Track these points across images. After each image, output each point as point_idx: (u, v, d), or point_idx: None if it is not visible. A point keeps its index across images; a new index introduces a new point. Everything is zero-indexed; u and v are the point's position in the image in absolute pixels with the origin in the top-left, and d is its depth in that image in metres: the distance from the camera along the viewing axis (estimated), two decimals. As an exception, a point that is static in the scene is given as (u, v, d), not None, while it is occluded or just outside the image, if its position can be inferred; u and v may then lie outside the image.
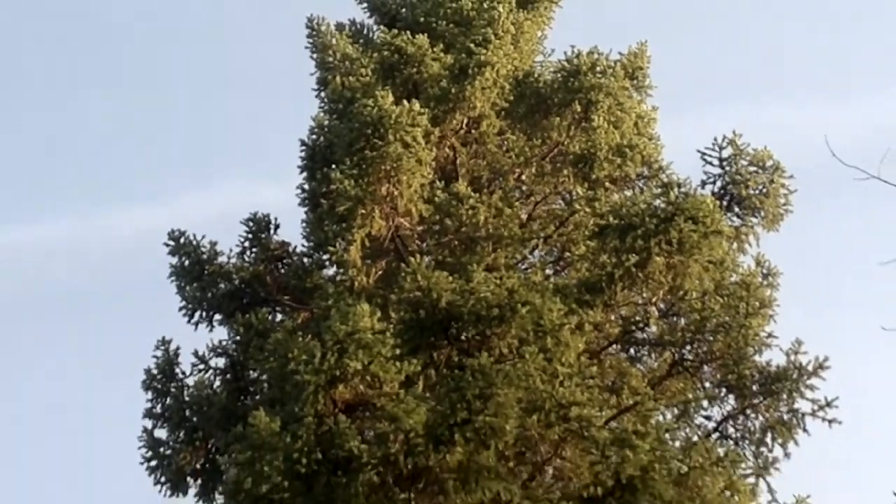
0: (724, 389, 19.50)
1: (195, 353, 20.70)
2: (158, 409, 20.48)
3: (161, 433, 20.38)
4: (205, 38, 57.46)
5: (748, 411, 19.29)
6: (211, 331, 21.44)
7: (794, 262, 21.36)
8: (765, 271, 20.50)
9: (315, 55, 25.01)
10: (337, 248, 19.79)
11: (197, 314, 21.44)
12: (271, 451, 15.85)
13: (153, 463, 20.11)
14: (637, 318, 20.29)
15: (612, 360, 20.32)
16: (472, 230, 19.90)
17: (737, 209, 21.07)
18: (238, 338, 20.44)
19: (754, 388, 19.16)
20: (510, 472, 16.48)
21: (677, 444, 18.02)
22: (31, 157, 55.21)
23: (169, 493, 20.18)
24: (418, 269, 18.20)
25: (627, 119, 21.99)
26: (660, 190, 20.11)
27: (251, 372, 20.21)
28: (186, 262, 21.61)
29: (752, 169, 21.09)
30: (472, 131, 22.66)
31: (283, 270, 21.73)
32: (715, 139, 21.22)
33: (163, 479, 20.09)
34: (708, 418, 19.70)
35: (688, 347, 19.67)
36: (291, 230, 21.97)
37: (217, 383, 20.53)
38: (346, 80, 22.66)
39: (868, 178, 9.98)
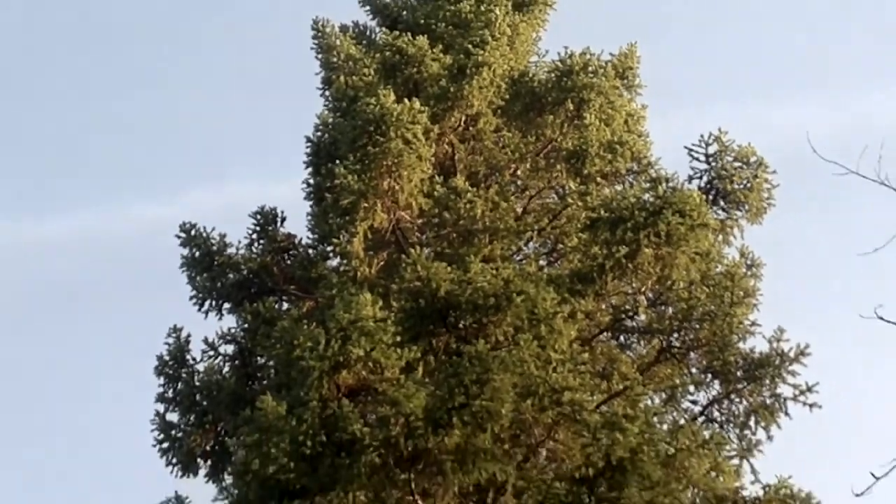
0: (709, 375, 19.50)
1: (205, 341, 20.71)
2: (170, 393, 20.48)
3: (172, 417, 20.40)
4: (215, 41, 57.47)
5: (732, 396, 19.29)
6: (220, 319, 21.44)
7: (776, 253, 21.35)
8: (749, 262, 20.49)
9: (320, 56, 24.98)
10: (341, 240, 19.75)
11: (207, 303, 21.41)
12: (278, 433, 15.82)
13: (165, 445, 20.13)
14: (627, 306, 20.29)
15: (603, 346, 20.32)
16: (470, 223, 19.88)
17: (722, 203, 21.08)
18: (246, 326, 20.42)
19: (738, 373, 19.16)
20: (505, 454, 16.46)
21: (665, 427, 17.99)
22: (52, 153, 55.15)
23: (180, 473, 20.19)
24: (418, 260, 18.18)
25: (618, 117, 21.95)
26: (648, 185, 20.09)
27: (258, 358, 20.19)
28: (197, 254, 21.58)
29: (736, 165, 21.11)
30: (470, 128, 22.64)
31: (289, 261, 21.70)
32: (701, 136, 21.26)
33: (174, 461, 20.10)
34: (694, 402, 19.71)
35: (675, 335, 19.67)
36: (297, 223, 22.00)
37: (226, 369, 20.53)
38: (350, 80, 22.67)
39: (846, 173, 9.95)
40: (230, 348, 20.67)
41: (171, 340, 20.84)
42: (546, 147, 22.20)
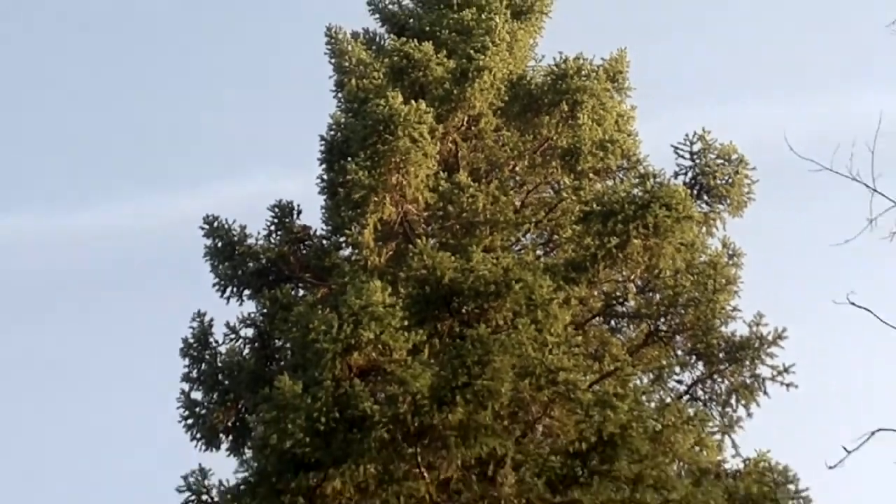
0: (693, 357, 19.54)
1: (227, 325, 20.73)
2: (194, 373, 20.51)
3: (197, 395, 20.42)
4: (236, 46, 57.37)
5: (715, 376, 19.33)
6: (241, 304, 21.51)
7: (756, 243, 21.36)
8: (730, 252, 20.50)
9: (333, 60, 24.97)
10: (352, 232, 19.79)
11: (228, 290, 21.45)
12: (294, 410, 15.86)
13: (189, 421, 20.17)
14: (617, 293, 20.32)
15: (595, 330, 20.33)
16: (472, 215, 19.89)
17: (705, 197, 21.08)
18: (265, 311, 20.47)
19: (720, 355, 19.20)
20: (505, 430, 16.48)
21: (652, 405, 18.02)
22: (83, 151, 55.14)
23: (203, 447, 20.24)
24: (424, 250, 18.21)
25: (609, 117, 21.95)
26: (637, 180, 20.13)
27: (276, 341, 20.22)
28: (219, 244, 21.61)
29: (719, 161, 21.11)
30: (472, 128, 22.65)
31: (304, 251, 21.73)
32: (686, 135, 21.25)
33: (198, 436, 20.15)
34: (679, 382, 19.75)
35: (662, 319, 19.70)
36: (312, 216, 22.02)
37: (246, 351, 20.55)
38: (361, 83, 22.68)
39: (821, 169, 9.98)
40: (250, 332, 20.70)
41: (195, 324, 20.87)
42: (542, 145, 22.21)
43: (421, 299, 17.96)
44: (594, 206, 19.38)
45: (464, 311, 17.94)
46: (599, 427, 15.86)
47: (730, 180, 21.01)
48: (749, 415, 19.08)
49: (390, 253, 20.37)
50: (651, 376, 19.79)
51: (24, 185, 53.42)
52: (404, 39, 23.01)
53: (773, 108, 42.80)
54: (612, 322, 20.79)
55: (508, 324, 17.41)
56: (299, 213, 22.12)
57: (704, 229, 20.78)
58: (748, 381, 19.06)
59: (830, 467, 9.77)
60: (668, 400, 19.02)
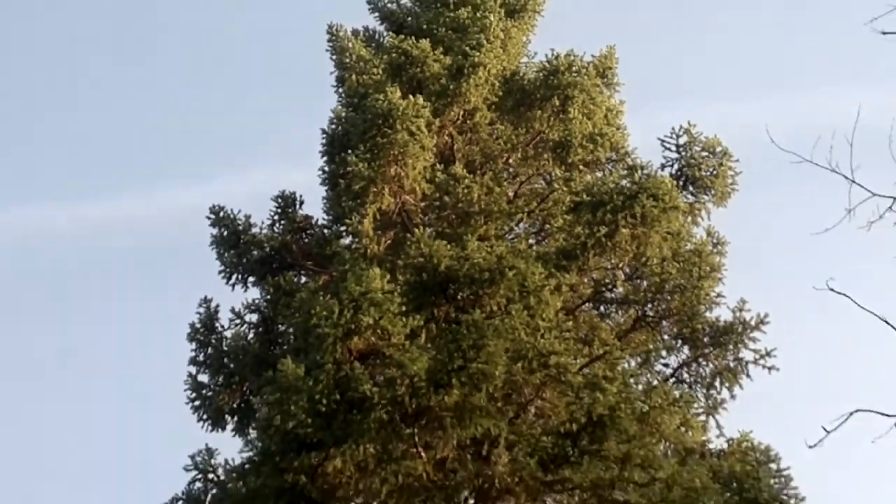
0: (679, 341, 19.54)
1: (232, 310, 20.73)
2: (201, 357, 20.50)
3: (203, 378, 20.43)
4: (241, 43, 57.34)
5: (700, 359, 19.33)
6: (245, 291, 21.50)
7: (739, 233, 21.34)
8: (714, 241, 20.51)
9: (334, 57, 24.90)
10: (352, 221, 19.74)
11: (234, 277, 21.43)
12: (297, 392, 15.82)
13: (196, 403, 20.17)
14: (606, 280, 20.29)
15: (585, 316, 20.30)
16: (467, 206, 19.84)
17: (691, 188, 21.04)
18: (269, 297, 20.44)
19: (705, 339, 19.21)
20: (499, 411, 16.45)
21: (640, 387, 18.00)
22: (99, 144, 55.15)
23: (210, 428, 20.24)
24: (421, 239, 18.18)
25: (598, 111, 21.90)
26: (626, 172, 20.11)
27: (280, 326, 20.20)
28: (225, 233, 21.59)
29: (704, 154, 21.08)
30: (468, 122, 22.60)
31: (306, 240, 21.71)
32: (673, 129, 21.25)
33: (205, 417, 20.14)
34: (666, 365, 19.75)
35: (649, 305, 19.69)
36: (314, 206, 21.99)
37: (251, 335, 20.54)
38: (361, 78, 22.65)
39: (802, 161, 9.93)
40: (254, 317, 20.71)
41: (201, 310, 20.88)
42: (535, 138, 22.16)
43: (418, 286, 17.92)
44: (584, 196, 19.36)
45: (459, 297, 17.90)
46: (589, 408, 15.84)
47: (714, 172, 20.98)
48: (732, 397, 19.09)
49: (389, 241, 20.33)
50: (639, 360, 19.78)
51: (42, 178, 53.35)
52: (402, 37, 22.95)
53: (755, 103, 42.74)
54: (602, 308, 20.77)
55: (502, 309, 17.37)
56: (301, 203, 22.11)
57: (690, 219, 20.75)
58: (732, 364, 19.06)
59: (810, 446, 9.74)
60: (655, 382, 19.00)
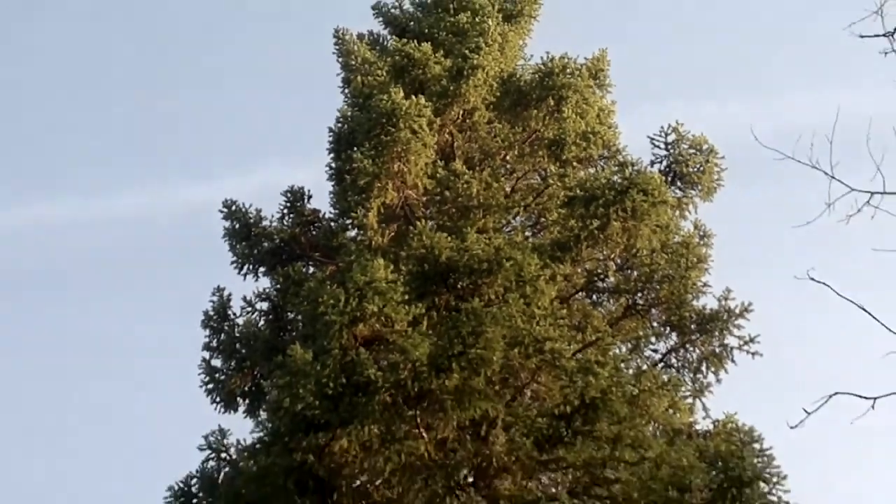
0: (668, 328, 19.53)
1: (244, 299, 20.75)
2: (214, 343, 20.52)
3: (216, 362, 20.46)
4: (252, 48, 57.38)
5: (687, 345, 19.33)
6: (256, 281, 21.52)
7: (725, 226, 21.37)
8: (701, 233, 20.53)
9: (340, 59, 24.88)
10: (358, 214, 19.73)
11: (245, 267, 21.45)
12: (305, 376, 15.81)
13: (210, 386, 20.20)
14: (598, 270, 20.28)
15: (579, 304, 20.30)
16: (467, 200, 19.84)
17: (679, 183, 21.08)
18: (278, 286, 20.46)
19: (692, 326, 19.20)
20: (496, 394, 16.46)
21: (630, 371, 17.99)
22: (114, 142, 55.22)
23: (222, 410, 20.27)
24: (423, 231, 18.19)
25: (591, 111, 21.89)
26: (617, 168, 20.16)
27: (289, 313, 20.23)
28: (237, 226, 21.61)
29: (691, 151, 21.13)
30: (467, 121, 22.58)
31: (314, 232, 21.71)
32: (661, 127, 21.36)
33: (218, 399, 20.17)
34: (655, 351, 19.75)
35: (639, 294, 19.67)
36: (321, 200, 22.03)
37: (261, 322, 20.56)
38: (366, 80, 22.66)
39: (784, 158, 9.95)
40: (265, 305, 20.72)
41: (215, 299, 20.90)
42: (531, 136, 22.15)
43: (420, 276, 17.94)
44: (577, 191, 19.35)
45: (459, 286, 17.91)
46: (582, 392, 15.83)
47: (701, 168, 21.03)
48: (718, 381, 19.11)
49: (392, 234, 20.33)
50: (629, 346, 19.78)
51: (61, 175, 53.38)
52: (405, 40, 22.93)
53: (741, 105, 42.79)
54: (594, 296, 20.76)
55: (499, 298, 17.38)
56: (309, 197, 22.15)
57: (678, 213, 20.78)
58: (717, 350, 19.07)
59: (792, 427, 9.76)
60: (645, 367, 19.00)
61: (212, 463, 17.57)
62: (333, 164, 21.54)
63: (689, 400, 18.65)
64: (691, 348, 19.32)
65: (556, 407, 16.07)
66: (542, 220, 21.11)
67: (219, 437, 17.61)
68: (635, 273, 19.90)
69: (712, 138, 21.22)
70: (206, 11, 58.40)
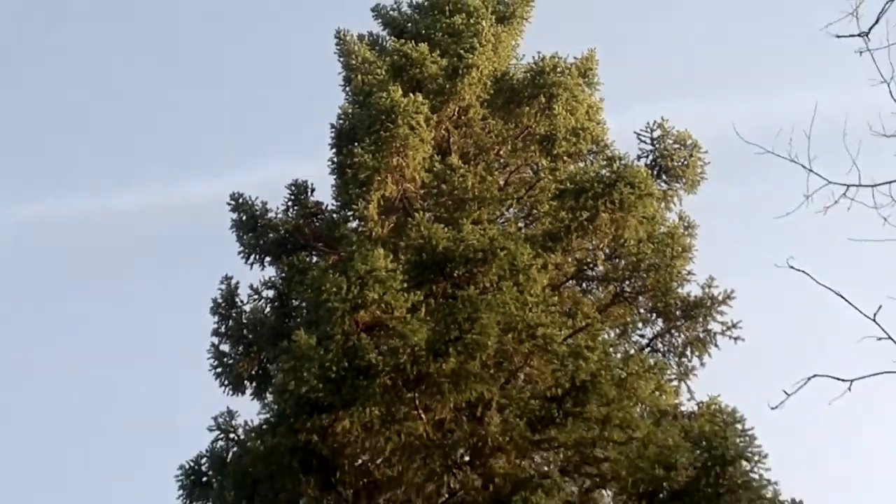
0: (654, 314, 19.52)
1: (251, 287, 20.76)
2: (223, 329, 20.52)
3: (225, 347, 20.47)
4: (257, 49, 57.28)
5: (672, 331, 19.33)
6: (263, 269, 21.50)
7: (708, 217, 21.40)
8: (686, 224, 20.56)
9: (341, 59, 24.84)
10: (359, 206, 19.71)
11: (252, 257, 21.43)
12: (309, 360, 15.82)
13: (219, 370, 20.22)
14: (588, 260, 20.28)
15: (569, 292, 20.29)
16: (462, 193, 19.83)
17: (664, 177, 21.09)
18: (283, 275, 20.46)
19: (677, 313, 19.20)
20: (491, 377, 16.46)
21: (618, 356, 18.00)
22: (125, 138, 55.15)
23: (231, 392, 20.28)
24: (421, 223, 18.18)
25: (580, 108, 21.86)
26: (605, 162, 20.18)
27: (293, 301, 20.21)
28: (244, 217, 21.59)
29: (675, 146, 21.13)
30: (462, 117, 22.55)
31: (317, 224, 21.69)
32: (648, 123, 21.35)
33: (226, 382, 20.19)
34: (642, 336, 19.76)
35: (626, 282, 19.66)
36: (324, 193, 22.00)
37: (267, 309, 20.56)
38: (366, 78, 22.60)
39: (764, 152, 9.91)
40: (271, 293, 20.73)
41: (223, 287, 20.88)
42: (523, 132, 22.11)
43: (418, 265, 17.93)
44: (568, 184, 19.36)
45: (455, 275, 17.91)
46: (573, 375, 15.84)
47: (685, 162, 21.05)
48: (702, 364, 19.13)
49: (392, 225, 20.30)
50: (617, 331, 19.80)
51: (73, 169, 53.37)
52: (403, 41, 22.90)
53: (723, 102, 42.80)
54: (584, 284, 20.74)
55: (494, 286, 17.38)
56: (313, 190, 22.10)
57: (663, 204, 20.79)
58: (701, 335, 19.09)
59: (772, 408, 9.74)
60: (632, 352, 18.99)
61: (221, 443, 17.59)
62: (335, 159, 21.51)
63: (675, 383, 18.66)
64: (676, 333, 19.33)
65: (548, 389, 16.06)
66: (534, 211, 21.09)
67: (227, 419, 17.63)
68: (623, 262, 19.90)
69: (696, 134, 21.26)
70: (215, 20, 58.33)
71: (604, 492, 16.43)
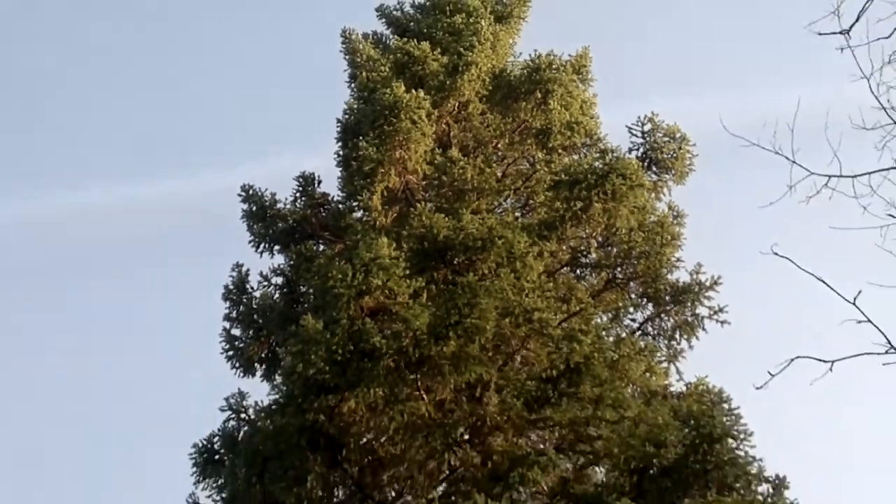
0: (644, 299, 19.52)
1: (261, 274, 20.67)
2: (234, 314, 20.46)
3: (236, 332, 20.40)
4: (267, 48, 57.30)
5: (662, 315, 19.33)
6: (272, 257, 21.45)
7: (696, 206, 21.38)
8: (675, 213, 20.51)
9: (347, 57, 24.82)
10: (363, 197, 19.72)
11: (261, 245, 21.40)
12: (316, 344, 15.80)
13: (230, 353, 20.16)
14: (581, 247, 20.25)
15: (564, 278, 20.27)
16: (462, 184, 19.82)
17: (654, 168, 21.07)
18: (292, 262, 20.41)
19: (667, 298, 19.20)
20: (489, 360, 16.43)
21: (611, 339, 17.99)
22: (140, 134, 55.10)
23: (241, 374, 20.25)
24: (423, 212, 18.16)
25: (575, 103, 21.86)
26: (598, 155, 20.08)
27: (301, 287, 20.16)
28: (254, 208, 21.55)
29: (665, 139, 21.11)
30: (462, 112, 22.54)
31: (324, 214, 21.65)
32: (639, 118, 21.32)
33: (237, 365, 20.14)
34: (633, 320, 19.73)
35: (618, 269, 19.66)
36: (330, 184, 21.96)
37: (276, 295, 20.49)
38: (370, 75, 22.56)
39: (750, 145, 9.93)
40: (280, 280, 20.65)
41: (234, 274, 20.82)
42: (520, 126, 22.10)
43: (420, 253, 17.91)
44: (562, 176, 19.32)
45: (455, 262, 17.88)
46: (567, 357, 15.83)
47: (674, 155, 21.03)
48: (690, 347, 19.14)
49: (395, 215, 20.32)
50: (609, 315, 19.78)
51: (89, 163, 53.38)
52: (406, 39, 22.90)
53: (711, 97, 42.76)
54: (578, 271, 20.73)
55: (492, 273, 17.36)
56: (319, 182, 22.05)
57: (653, 195, 20.76)
58: (689, 319, 19.10)
59: (757, 388, 9.75)
60: (624, 335, 19.00)
61: (232, 422, 17.58)
62: (341, 152, 21.48)
63: (664, 364, 18.70)
64: (666, 317, 19.33)
65: (544, 371, 16.05)
66: (531, 202, 21.07)
67: (238, 400, 17.61)
68: (615, 250, 19.88)
69: (688, 129, 21.28)
70: (227, 21, 58.33)
71: (597, 468, 16.40)
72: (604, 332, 17.43)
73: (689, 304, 19.03)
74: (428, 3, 25.39)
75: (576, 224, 19.15)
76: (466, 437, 16.42)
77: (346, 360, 15.78)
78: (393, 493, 16.86)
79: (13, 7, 54.58)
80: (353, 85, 24.11)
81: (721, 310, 18.90)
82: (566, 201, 18.90)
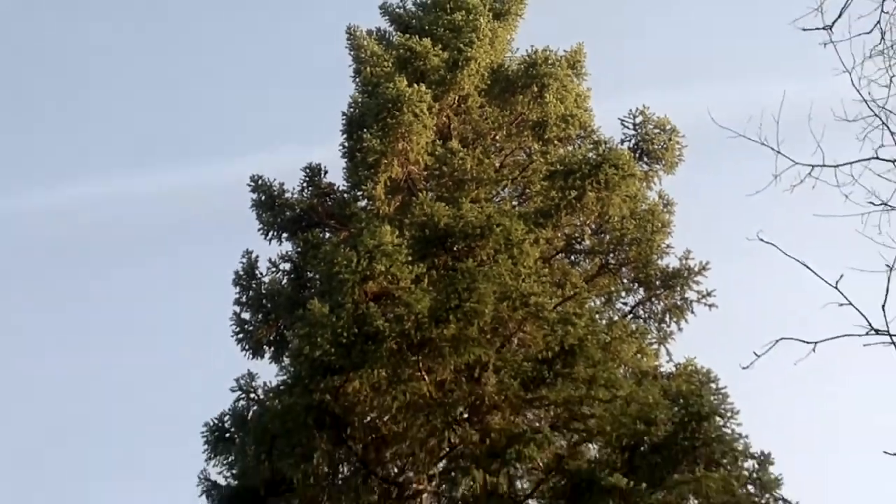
0: (636, 284, 19.54)
1: (269, 260, 20.69)
2: (244, 298, 20.47)
3: (245, 315, 20.43)
4: (275, 46, 57.27)
5: (653, 299, 19.35)
6: (280, 245, 21.45)
7: (685, 195, 21.40)
8: (665, 202, 20.52)
9: (352, 52, 24.77)
10: (367, 187, 19.71)
11: (270, 233, 21.38)
12: (322, 327, 15.79)
13: (240, 336, 20.18)
14: (576, 234, 20.25)
15: (559, 264, 20.25)
16: (462, 174, 19.81)
17: (645, 159, 21.06)
18: (299, 249, 20.42)
19: (657, 283, 19.22)
20: (488, 342, 16.42)
21: (603, 322, 18.01)
22: (152, 126, 55.06)
23: (251, 356, 20.27)
24: (424, 201, 18.15)
25: (570, 97, 21.80)
26: (592, 146, 20.09)
27: (308, 273, 20.15)
28: (263, 197, 21.52)
29: (656, 131, 21.10)
30: (462, 105, 22.50)
31: (329, 203, 21.63)
32: (630, 110, 21.32)
33: (247, 347, 20.16)
34: (625, 304, 19.77)
35: (611, 255, 19.67)
36: (335, 175, 21.95)
37: (284, 281, 20.50)
38: (374, 70, 22.54)
39: (737, 136, 9.87)
40: (287, 266, 20.65)
41: (244, 260, 20.82)
42: (517, 119, 22.04)
43: (422, 240, 17.90)
44: (558, 166, 19.29)
45: (455, 248, 17.88)
46: (562, 339, 15.81)
47: (664, 146, 21.03)
48: (680, 329, 19.18)
49: (397, 204, 20.30)
50: (602, 299, 19.79)
51: (102, 154, 53.42)
52: (408, 36, 22.85)
53: (700, 90, 42.75)
54: (572, 257, 20.71)
55: (490, 259, 17.34)
56: (325, 173, 22.02)
57: (645, 184, 20.76)
58: (679, 302, 19.12)
59: (744, 368, 9.69)
60: (616, 318, 19.01)
61: (242, 402, 17.56)
62: (346, 144, 21.49)
63: (655, 346, 18.70)
64: (656, 301, 19.34)
65: (540, 353, 16.04)
66: (527, 191, 21.03)
67: (248, 380, 17.59)
68: (608, 237, 19.87)
69: (678, 121, 21.27)
70: (235, 21, 58.26)
71: (590, 445, 16.43)
72: (597, 316, 17.46)
73: (678, 288, 19.05)
74: (429, 1, 25.33)
75: (570, 212, 19.13)
76: (466, 415, 16.41)
77: (350, 343, 15.77)
78: (395, 469, 16.87)
79: (13, 7, 54.38)
80: (357, 79, 24.06)
81: (709, 294, 18.94)
82: (561, 190, 18.88)
